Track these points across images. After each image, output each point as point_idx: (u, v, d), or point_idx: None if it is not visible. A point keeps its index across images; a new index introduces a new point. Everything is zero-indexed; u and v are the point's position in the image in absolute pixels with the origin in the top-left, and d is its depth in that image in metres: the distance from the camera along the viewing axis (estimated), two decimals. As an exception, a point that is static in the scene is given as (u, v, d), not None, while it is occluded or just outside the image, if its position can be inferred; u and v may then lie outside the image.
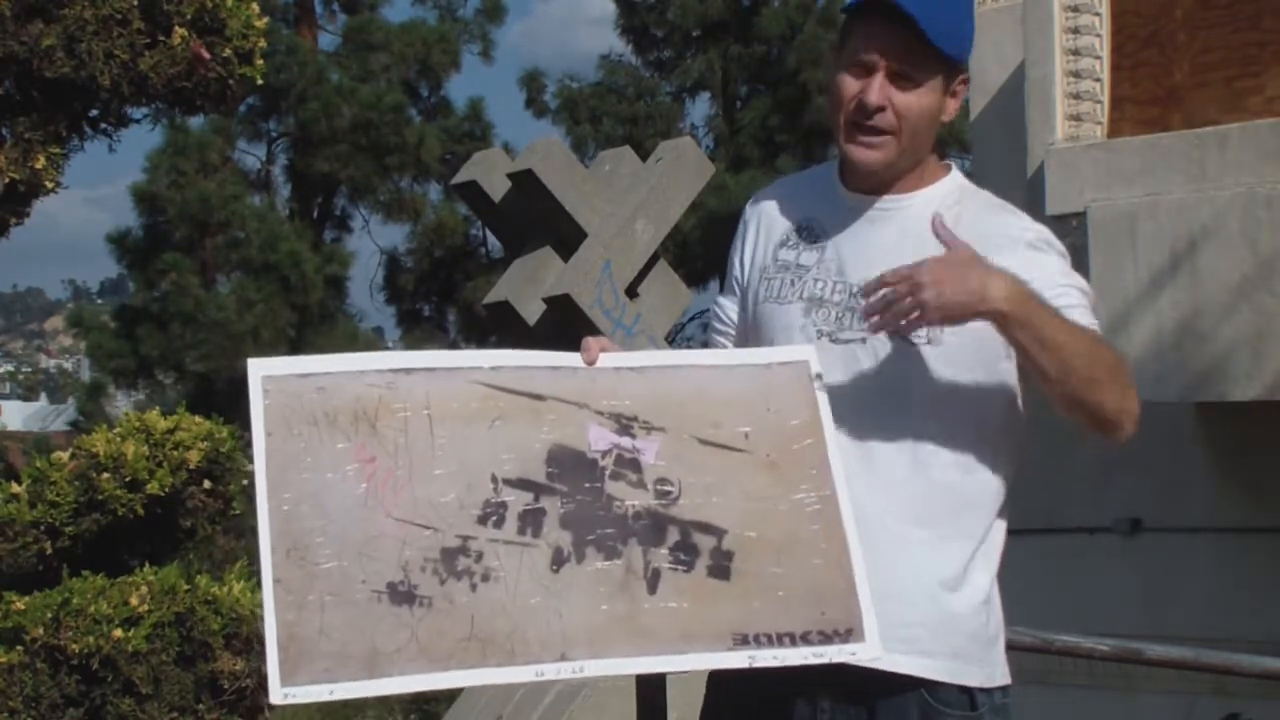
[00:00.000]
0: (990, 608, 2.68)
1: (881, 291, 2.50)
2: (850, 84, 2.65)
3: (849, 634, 2.47)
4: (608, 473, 2.52)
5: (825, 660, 2.47)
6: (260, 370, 2.51)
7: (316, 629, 2.35)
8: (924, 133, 2.68)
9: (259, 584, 2.40)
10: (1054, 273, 2.63)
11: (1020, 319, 2.49)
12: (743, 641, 2.45)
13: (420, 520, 2.44)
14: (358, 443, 2.47)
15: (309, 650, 2.34)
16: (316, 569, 2.39)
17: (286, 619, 2.35)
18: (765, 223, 2.84)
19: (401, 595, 2.39)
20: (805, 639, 2.46)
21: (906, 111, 2.64)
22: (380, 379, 2.53)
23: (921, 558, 2.62)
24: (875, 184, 2.72)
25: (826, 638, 2.47)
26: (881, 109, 2.63)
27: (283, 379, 2.51)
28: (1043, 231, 2.70)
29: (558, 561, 2.46)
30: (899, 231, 2.69)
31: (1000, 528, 2.71)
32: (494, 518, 2.47)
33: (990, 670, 2.67)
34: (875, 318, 2.52)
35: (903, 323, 2.51)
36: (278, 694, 2.32)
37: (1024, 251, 2.62)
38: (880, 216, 2.72)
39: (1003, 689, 2.69)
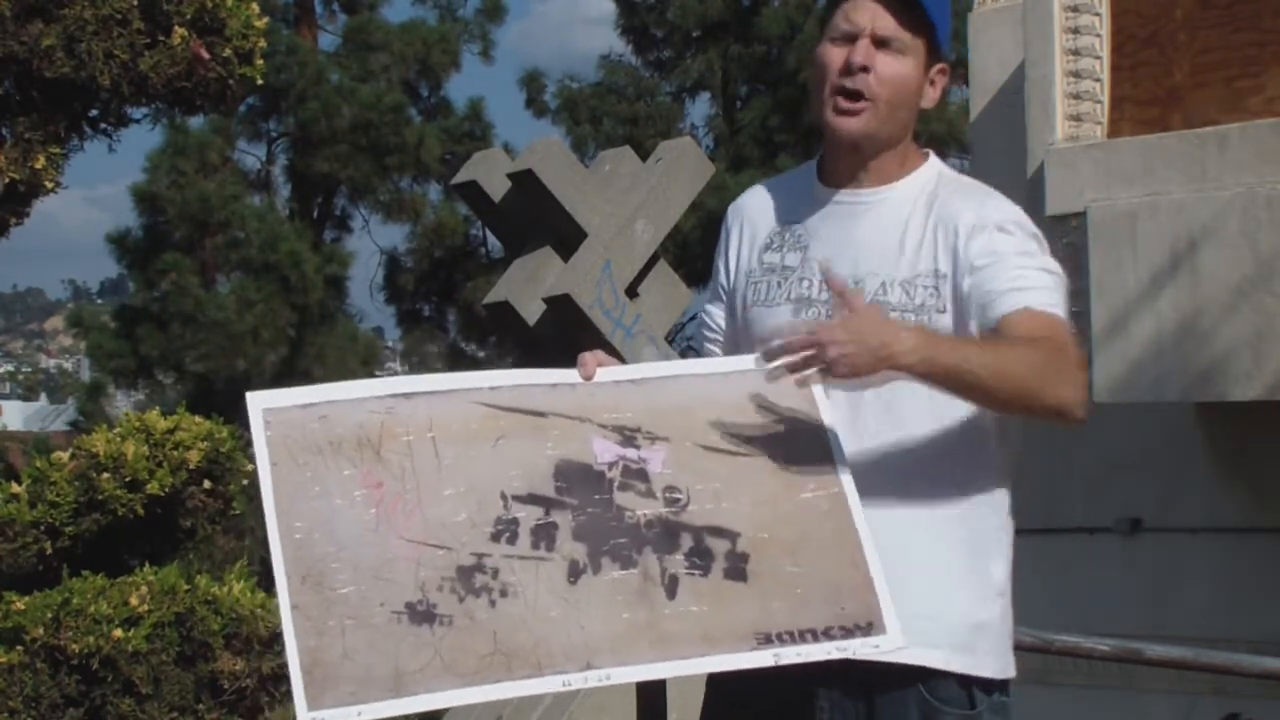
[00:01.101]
0: (1005, 600, 2.70)
1: (781, 346, 2.49)
2: (834, 53, 2.69)
3: (870, 627, 2.49)
4: (616, 484, 2.54)
5: (849, 654, 2.49)
6: (260, 403, 2.54)
7: (339, 653, 2.36)
8: (904, 106, 2.71)
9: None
10: (1012, 254, 2.63)
11: (931, 370, 2.50)
12: (765, 640, 2.46)
13: (433, 541, 2.46)
14: (364, 469, 2.49)
15: (333, 674, 2.35)
16: (334, 594, 2.40)
17: (308, 645, 2.36)
18: (748, 227, 2.86)
19: (421, 615, 2.40)
20: (827, 634, 2.48)
21: (889, 76, 2.67)
22: (381, 405, 2.55)
23: (927, 551, 2.63)
24: (853, 171, 2.74)
25: (848, 632, 2.48)
26: (865, 69, 2.66)
27: (283, 410, 2.53)
28: (1015, 213, 2.71)
29: (574, 573, 2.47)
30: (880, 222, 2.71)
31: (1008, 517, 2.72)
32: (507, 534, 2.48)
33: (1001, 662, 2.68)
34: (774, 367, 2.50)
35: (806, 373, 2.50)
36: (305, 718, 2.32)
37: (991, 233, 2.64)
38: (861, 210, 2.73)
39: (1003, 688, 2.70)
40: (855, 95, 2.67)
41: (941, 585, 2.63)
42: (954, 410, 2.64)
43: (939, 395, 2.61)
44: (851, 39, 2.68)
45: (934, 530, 2.64)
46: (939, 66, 2.74)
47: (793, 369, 2.49)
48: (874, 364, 2.47)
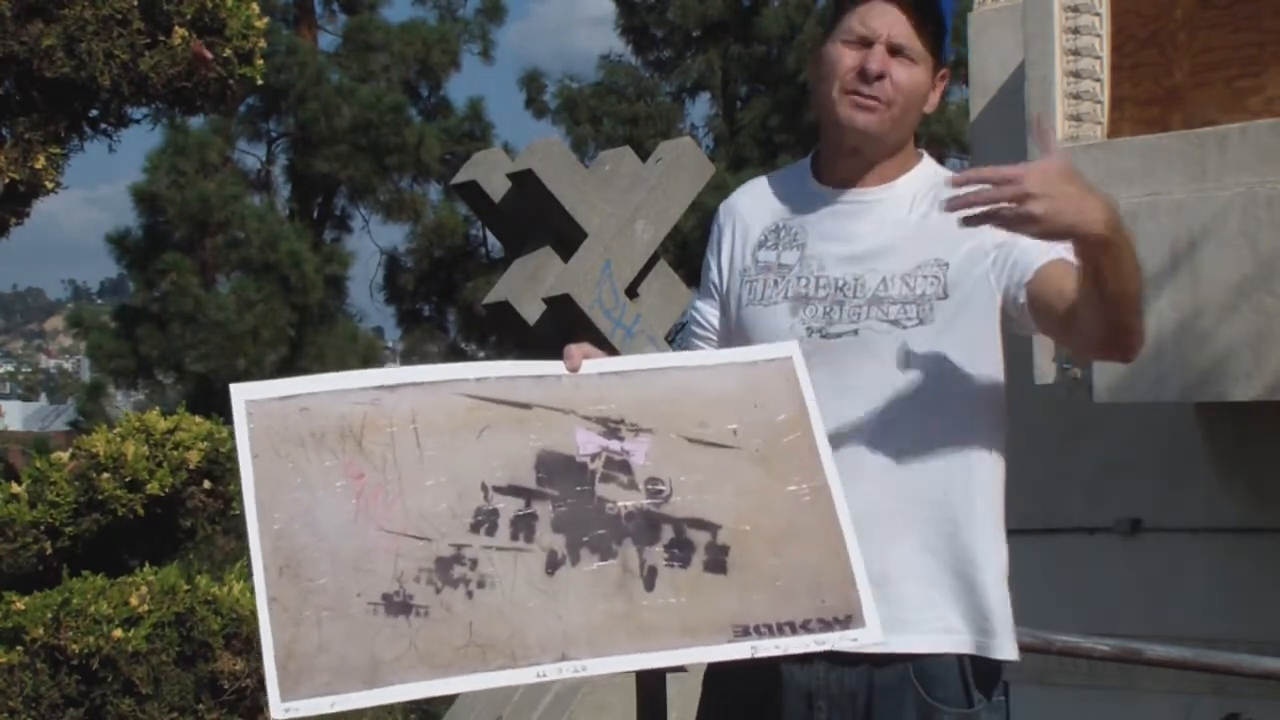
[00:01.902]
0: (1005, 582, 2.69)
1: (979, 187, 2.40)
2: (848, 55, 2.69)
3: (849, 620, 2.49)
4: (598, 475, 2.54)
5: (827, 647, 2.48)
6: (243, 395, 2.54)
7: (315, 644, 2.36)
8: (913, 111, 2.72)
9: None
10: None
11: (1115, 243, 2.44)
12: (744, 633, 2.46)
13: (413, 531, 2.46)
14: (345, 460, 2.49)
15: (308, 665, 2.35)
16: (311, 585, 2.40)
17: (283, 637, 2.36)
18: (741, 225, 2.85)
19: (397, 606, 2.40)
20: (805, 627, 2.47)
21: (904, 84, 2.68)
22: (364, 397, 2.54)
23: (928, 539, 2.63)
24: (854, 172, 2.74)
25: (827, 625, 2.48)
26: (882, 77, 2.66)
27: (265, 402, 2.53)
28: None
29: (552, 565, 2.47)
30: (879, 221, 2.71)
31: (1002, 501, 2.72)
32: (486, 525, 2.48)
33: (1012, 643, 2.68)
34: (961, 202, 2.41)
35: (988, 224, 2.41)
36: (279, 709, 2.32)
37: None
38: (861, 209, 2.74)
39: (1002, 687, 2.70)
40: (871, 98, 2.68)
41: (944, 575, 2.63)
42: (959, 395, 2.64)
43: (943, 379, 2.62)
44: (867, 44, 2.68)
45: (937, 520, 2.64)
46: (941, 72, 2.75)
47: (977, 203, 2.39)
48: (1073, 225, 2.39)
